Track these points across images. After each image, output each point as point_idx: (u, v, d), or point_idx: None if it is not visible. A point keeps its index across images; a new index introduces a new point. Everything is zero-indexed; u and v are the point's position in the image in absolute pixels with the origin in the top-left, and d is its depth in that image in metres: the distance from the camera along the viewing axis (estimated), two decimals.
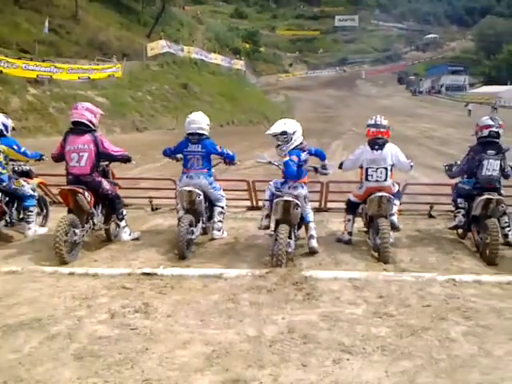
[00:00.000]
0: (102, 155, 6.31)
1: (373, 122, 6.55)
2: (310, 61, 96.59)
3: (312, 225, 6.26)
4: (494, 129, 6.60)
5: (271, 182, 6.35)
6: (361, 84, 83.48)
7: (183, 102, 35.31)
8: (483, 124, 6.68)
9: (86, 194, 6.08)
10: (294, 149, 6.06)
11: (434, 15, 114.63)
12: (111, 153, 6.37)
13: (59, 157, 6.38)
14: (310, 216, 6.31)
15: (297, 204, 5.87)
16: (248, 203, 8.77)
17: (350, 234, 6.73)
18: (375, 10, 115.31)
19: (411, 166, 6.56)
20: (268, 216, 6.23)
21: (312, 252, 6.17)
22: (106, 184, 6.38)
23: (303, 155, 6.14)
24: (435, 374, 3.38)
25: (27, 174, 7.09)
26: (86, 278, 5.15)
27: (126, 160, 6.57)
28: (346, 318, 4.24)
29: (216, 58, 54.74)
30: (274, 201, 5.96)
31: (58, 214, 6.34)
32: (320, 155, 6.55)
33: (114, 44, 37.95)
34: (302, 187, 6.14)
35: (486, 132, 6.62)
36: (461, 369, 3.45)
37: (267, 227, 6.23)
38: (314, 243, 6.19)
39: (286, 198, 5.88)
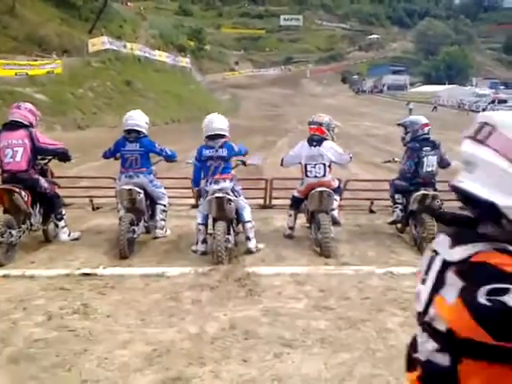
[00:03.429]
0: (38, 150, 6.11)
1: (310, 119, 6.72)
2: (256, 59, 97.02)
3: (249, 225, 6.15)
4: (429, 126, 6.86)
5: (201, 206, 6.23)
6: (306, 83, 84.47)
7: (126, 100, 34.62)
8: (422, 122, 6.90)
9: (23, 193, 5.88)
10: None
11: (375, 16, 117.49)
12: (48, 147, 6.20)
13: None
14: (246, 214, 6.17)
15: (229, 199, 5.87)
16: (192, 201, 8.71)
17: (291, 228, 6.81)
18: (319, 10, 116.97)
19: (350, 158, 6.71)
20: (204, 241, 6.09)
21: (250, 252, 6.14)
22: (43, 182, 6.18)
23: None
24: (372, 364, 3.47)
25: None
26: (22, 280, 5.00)
27: (64, 157, 6.40)
28: (287, 312, 4.30)
29: (160, 55, 54.03)
30: (207, 199, 5.93)
31: None
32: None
33: (54, 40, 36.79)
34: (225, 181, 6.07)
35: (426, 129, 6.84)
36: (397, 359, 3.55)
37: (204, 253, 6.02)
38: (250, 244, 6.14)
39: (217, 195, 5.87)
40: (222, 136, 6.18)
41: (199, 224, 6.10)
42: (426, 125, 6.89)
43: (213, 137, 6.15)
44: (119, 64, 41.90)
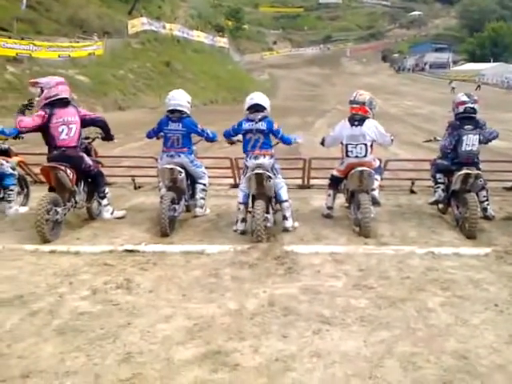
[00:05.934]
0: (85, 122, 6.32)
1: (352, 98, 6.59)
2: (294, 38, 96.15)
3: (286, 204, 6.15)
4: (469, 104, 6.64)
5: (242, 184, 6.28)
6: (345, 62, 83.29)
7: (166, 80, 34.93)
8: (459, 101, 6.75)
9: (68, 171, 6.01)
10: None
11: None
12: (93, 117, 6.52)
13: (31, 129, 6.07)
14: (283, 193, 6.17)
15: (269, 176, 5.88)
16: (231, 181, 8.77)
17: (330, 208, 6.78)
18: None
19: (392, 140, 6.61)
20: (244, 220, 6.13)
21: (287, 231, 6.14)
22: (88, 159, 6.33)
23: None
24: (412, 342, 3.45)
25: (6, 153, 6.98)
26: (67, 256, 5.15)
27: (107, 136, 6.60)
28: (326, 290, 4.30)
29: (199, 36, 54.18)
30: (246, 176, 5.99)
31: (39, 194, 6.27)
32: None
33: (95, 21, 37.29)
34: (264, 157, 6.08)
35: (461, 108, 6.67)
36: (438, 337, 3.54)
37: (244, 232, 6.07)
38: (287, 224, 6.13)
39: (257, 171, 5.89)
40: (262, 110, 6.19)
41: (239, 203, 6.15)
42: (462, 103, 6.68)
43: (253, 109, 6.17)
44: (158, 45, 42.29)
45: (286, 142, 6.45)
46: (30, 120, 6.07)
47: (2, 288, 4.32)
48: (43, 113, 6.09)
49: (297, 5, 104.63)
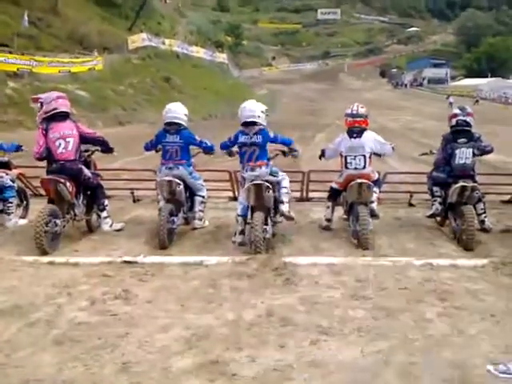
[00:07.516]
0: (84, 139, 6.38)
1: (349, 111, 6.63)
2: (293, 54, 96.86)
3: (284, 190, 6.18)
4: (461, 117, 6.70)
5: (241, 196, 6.29)
6: (343, 77, 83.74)
7: (166, 96, 35.02)
8: (451, 114, 6.84)
9: (68, 183, 6.06)
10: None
11: (415, 9, 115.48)
12: (93, 135, 6.54)
13: (44, 152, 6.23)
14: (285, 183, 6.23)
15: (267, 187, 5.90)
16: (230, 194, 8.79)
17: (329, 220, 6.81)
18: (357, 3, 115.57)
19: (393, 148, 6.66)
20: (242, 232, 6.12)
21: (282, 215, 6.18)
22: (87, 172, 6.38)
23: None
24: (409, 353, 3.46)
25: (6, 166, 7.03)
26: (66, 267, 5.16)
27: (106, 149, 6.62)
28: (324, 301, 4.31)
29: (198, 52, 54.61)
30: (245, 187, 6.00)
31: (39, 206, 6.30)
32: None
33: (95, 37, 37.57)
34: (260, 168, 6.11)
35: (453, 121, 6.74)
36: (435, 348, 3.54)
37: (242, 244, 6.06)
38: (283, 207, 6.10)
39: (256, 182, 5.91)
40: (256, 123, 6.16)
41: (239, 215, 6.16)
42: (454, 116, 6.76)
43: (247, 124, 6.17)
44: (158, 60, 42.64)
45: (287, 143, 6.47)
46: (38, 146, 6.21)
47: (2, 298, 4.32)
48: (40, 130, 6.25)
49: (295, 21, 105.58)
